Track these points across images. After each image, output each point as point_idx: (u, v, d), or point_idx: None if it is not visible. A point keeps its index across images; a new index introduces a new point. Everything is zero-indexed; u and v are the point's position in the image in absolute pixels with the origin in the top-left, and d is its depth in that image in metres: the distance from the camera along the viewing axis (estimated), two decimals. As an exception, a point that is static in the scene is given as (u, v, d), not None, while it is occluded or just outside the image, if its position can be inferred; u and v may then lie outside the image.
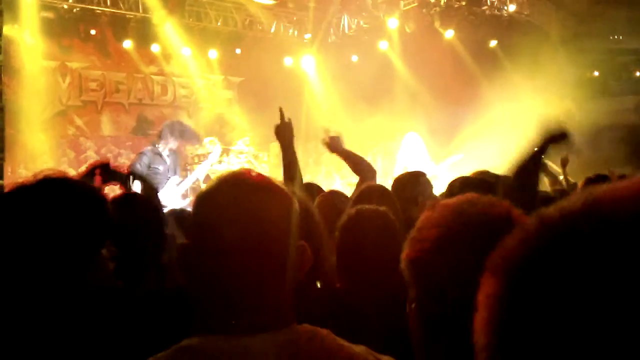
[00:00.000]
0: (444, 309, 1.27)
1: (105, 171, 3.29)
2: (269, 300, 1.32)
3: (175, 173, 8.89)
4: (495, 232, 1.18)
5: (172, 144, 8.67)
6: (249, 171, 1.43)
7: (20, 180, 1.71)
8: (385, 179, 11.80)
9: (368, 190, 3.62)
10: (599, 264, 0.52)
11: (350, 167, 4.42)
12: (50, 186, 1.64)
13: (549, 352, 0.53)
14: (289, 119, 3.98)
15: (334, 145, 4.47)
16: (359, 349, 1.35)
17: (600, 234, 0.53)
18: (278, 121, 3.77)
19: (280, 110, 3.82)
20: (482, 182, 3.57)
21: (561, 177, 6.91)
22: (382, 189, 3.83)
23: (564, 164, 6.66)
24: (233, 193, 1.34)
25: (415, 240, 1.38)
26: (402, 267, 1.37)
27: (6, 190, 1.72)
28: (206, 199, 1.38)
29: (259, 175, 1.43)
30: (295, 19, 14.65)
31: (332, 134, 4.56)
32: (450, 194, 3.40)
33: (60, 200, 1.62)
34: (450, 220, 1.34)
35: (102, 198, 1.72)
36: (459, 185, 3.54)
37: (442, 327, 1.29)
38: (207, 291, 1.33)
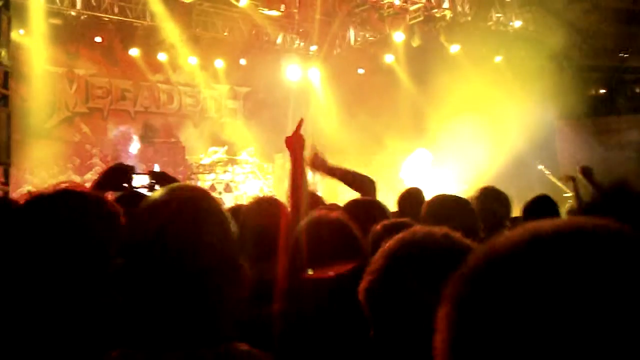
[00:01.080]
0: (397, 335, 1.31)
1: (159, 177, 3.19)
2: (200, 318, 1.33)
3: None
4: (441, 261, 1.21)
5: None
6: (185, 187, 1.45)
7: (37, 190, 1.72)
8: (387, 193, 11.81)
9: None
10: (523, 294, 0.60)
11: (345, 184, 4.09)
12: (68, 198, 1.66)
13: None
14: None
15: (316, 164, 3.81)
16: None
17: (527, 267, 0.62)
18: (284, 132, 3.54)
19: (300, 122, 3.51)
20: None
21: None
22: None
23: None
24: (168, 212, 1.36)
25: (367, 272, 1.40)
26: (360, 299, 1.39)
27: (28, 198, 1.73)
28: (142, 219, 1.39)
29: (195, 191, 1.45)
30: (301, 30, 14.71)
31: (315, 150, 3.93)
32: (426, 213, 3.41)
33: (77, 211, 1.63)
34: (396, 250, 1.36)
35: (116, 212, 1.74)
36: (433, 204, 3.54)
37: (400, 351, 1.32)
38: (139, 306, 1.35)
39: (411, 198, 4.38)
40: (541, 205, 4.24)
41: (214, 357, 1.31)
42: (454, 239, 1.37)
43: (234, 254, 1.38)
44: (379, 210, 3.57)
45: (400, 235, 1.40)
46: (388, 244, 1.39)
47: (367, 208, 3.47)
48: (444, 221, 2.71)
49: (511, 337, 0.59)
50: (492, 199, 4.05)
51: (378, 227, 2.67)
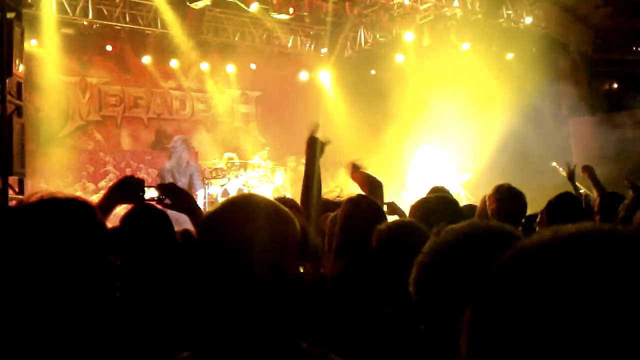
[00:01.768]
0: (448, 327, 1.30)
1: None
2: (266, 316, 1.37)
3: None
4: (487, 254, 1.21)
5: None
6: (253, 195, 1.50)
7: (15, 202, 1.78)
8: (398, 193, 11.80)
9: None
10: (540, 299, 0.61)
11: (365, 192, 4.33)
12: (42, 205, 1.69)
13: None
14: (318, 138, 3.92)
15: (355, 174, 4.40)
16: None
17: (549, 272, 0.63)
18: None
19: (315, 127, 3.75)
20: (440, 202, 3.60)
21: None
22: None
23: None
24: (239, 214, 1.42)
25: (418, 263, 1.41)
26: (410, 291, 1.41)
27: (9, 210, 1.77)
28: (213, 220, 1.46)
29: (262, 198, 1.50)
30: (312, 33, 14.74)
31: (352, 163, 4.50)
32: (414, 216, 3.40)
33: (53, 217, 1.67)
34: (450, 244, 1.37)
35: (91, 210, 1.76)
36: (420, 206, 3.54)
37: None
38: (205, 307, 1.40)
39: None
40: (565, 203, 4.20)
41: (285, 357, 1.35)
42: (499, 228, 1.38)
43: (295, 255, 1.43)
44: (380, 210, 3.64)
45: (450, 227, 1.42)
46: (440, 236, 1.41)
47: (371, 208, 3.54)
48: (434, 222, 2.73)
49: (533, 340, 0.60)
50: (508, 196, 4.07)
51: (382, 226, 2.69)
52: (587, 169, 6.26)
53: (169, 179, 10.69)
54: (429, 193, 4.54)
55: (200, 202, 9.49)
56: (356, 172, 4.40)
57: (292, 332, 1.41)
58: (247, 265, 1.37)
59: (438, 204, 3.59)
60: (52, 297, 1.58)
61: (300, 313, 1.55)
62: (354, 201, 3.36)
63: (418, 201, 3.69)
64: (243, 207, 1.45)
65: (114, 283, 1.76)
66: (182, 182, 10.65)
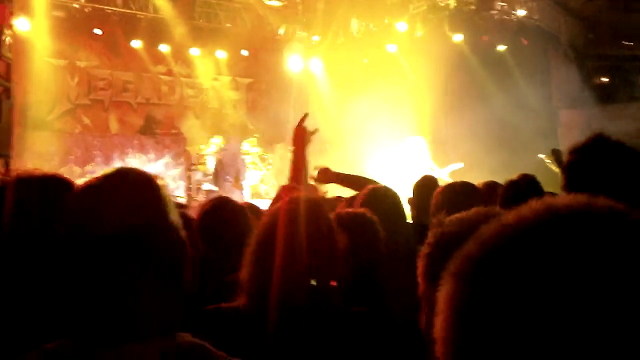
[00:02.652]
0: None
1: None
2: (147, 306, 1.26)
3: None
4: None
5: None
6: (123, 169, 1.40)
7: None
8: (385, 183, 11.75)
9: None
10: (538, 269, 0.59)
11: (355, 190, 4.29)
12: (19, 183, 1.68)
13: (503, 346, 0.59)
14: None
15: (325, 177, 4.27)
16: None
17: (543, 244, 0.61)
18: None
19: (304, 116, 3.74)
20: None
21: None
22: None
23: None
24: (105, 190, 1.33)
25: (424, 256, 1.39)
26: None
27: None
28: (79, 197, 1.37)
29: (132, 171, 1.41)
30: (304, 20, 14.67)
31: (317, 168, 4.44)
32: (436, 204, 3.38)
33: (29, 194, 1.66)
34: (458, 233, 1.35)
35: (69, 186, 1.75)
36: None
37: None
38: (76, 293, 1.28)
39: (426, 186, 4.30)
40: (526, 186, 4.11)
41: (159, 350, 1.25)
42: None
43: (181, 241, 1.33)
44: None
45: (453, 217, 1.39)
46: (443, 226, 1.38)
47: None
48: (456, 210, 2.71)
49: (529, 317, 0.58)
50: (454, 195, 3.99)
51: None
52: (555, 152, 6.12)
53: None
54: (419, 182, 4.50)
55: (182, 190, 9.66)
56: (324, 176, 4.32)
57: (175, 321, 1.31)
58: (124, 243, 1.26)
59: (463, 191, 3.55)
60: (29, 274, 1.57)
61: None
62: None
63: (442, 189, 3.66)
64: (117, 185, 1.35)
65: None
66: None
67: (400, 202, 3.52)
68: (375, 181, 4.32)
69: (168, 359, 1.25)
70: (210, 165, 11.89)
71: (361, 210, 2.97)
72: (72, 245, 1.29)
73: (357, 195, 3.62)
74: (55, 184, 1.73)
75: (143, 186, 1.35)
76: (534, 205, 0.65)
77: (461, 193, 3.35)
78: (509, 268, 0.61)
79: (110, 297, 1.24)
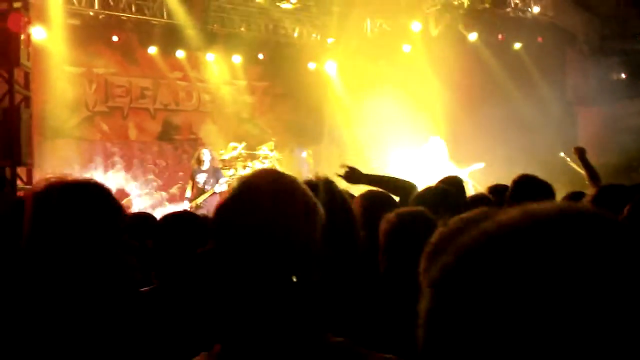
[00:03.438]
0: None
1: None
2: (291, 306, 1.30)
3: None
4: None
5: None
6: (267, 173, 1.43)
7: (26, 190, 1.75)
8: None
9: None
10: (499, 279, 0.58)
11: (387, 191, 4.27)
12: (55, 191, 1.66)
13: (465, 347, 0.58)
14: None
15: (353, 177, 4.34)
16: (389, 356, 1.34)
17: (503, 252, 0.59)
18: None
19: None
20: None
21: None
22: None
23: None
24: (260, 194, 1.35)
25: (425, 254, 1.39)
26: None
27: (17, 200, 1.76)
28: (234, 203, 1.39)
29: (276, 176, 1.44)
30: (318, 23, 14.67)
31: (344, 166, 4.38)
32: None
33: (68, 202, 1.64)
34: (460, 232, 1.34)
35: (107, 192, 1.74)
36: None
37: None
38: (231, 298, 1.32)
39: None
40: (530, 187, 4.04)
41: (312, 351, 1.28)
42: None
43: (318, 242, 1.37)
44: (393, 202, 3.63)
45: (457, 216, 1.39)
46: (447, 226, 1.38)
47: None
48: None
49: (495, 328, 0.56)
50: (531, 189, 3.95)
51: (392, 215, 2.66)
52: (578, 150, 6.04)
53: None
54: (439, 183, 4.47)
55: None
56: (352, 175, 4.31)
57: (317, 322, 1.34)
58: (275, 247, 1.29)
59: (440, 195, 3.57)
60: (72, 281, 1.57)
61: (326, 300, 1.50)
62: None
63: (420, 192, 3.68)
64: (264, 187, 1.37)
65: (134, 265, 1.76)
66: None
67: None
68: (409, 182, 4.28)
69: (323, 358, 1.28)
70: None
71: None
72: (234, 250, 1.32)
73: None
74: (95, 190, 1.72)
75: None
76: (511, 211, 0.63)
77: (379, 202, 3.38)
78: (478, 275, 0.59)
79: (267, 299, 1.29)
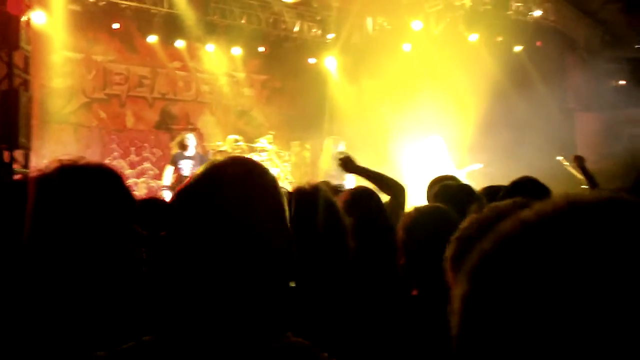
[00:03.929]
0: None
1: None
2: (249, 298, 1.25)
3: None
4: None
5: None
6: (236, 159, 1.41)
7: (36, 170, 1.67)
8: (406, 181, 11.75)
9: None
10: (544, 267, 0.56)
11: (375, 185, 4.37)
12: (66, 172, 1.61)
13: (505, 343, 0.57)
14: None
15: (349, 166, 4.53)
16: None
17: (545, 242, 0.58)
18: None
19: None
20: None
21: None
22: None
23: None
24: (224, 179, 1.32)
25: (455, 240, 1.38)
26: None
27: (26, 179, 1.70)
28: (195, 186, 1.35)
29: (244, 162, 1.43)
30: (319, 18, 14.66)
31: (343, 155, 4.63)
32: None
33: (80, 184, 1.58)
34: (494, 219, 1.34)
35: (118, 177, 1.69)
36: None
37: None
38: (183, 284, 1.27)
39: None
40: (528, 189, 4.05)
41: (267, 349, 1.23)
42: None
43: (288, 235, 1.32)
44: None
45: (492, 204, 1.38)
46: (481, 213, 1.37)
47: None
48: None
49: (534, 317, 0.54)
50: (528, 190, 3.96)
51: (412, 210, 2.68)
52: (577, 159, 6.07)
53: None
54: (436, 182, 4.49)
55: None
56: (349, 163, 4.49)
57: (278, 319, 1.28)
58: (235, 233, 1.23)
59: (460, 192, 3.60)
60: (78, 269, 1.53)
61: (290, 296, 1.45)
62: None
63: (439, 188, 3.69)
64: (230, 171, 1.34)
65: (141, 256, 1.70)
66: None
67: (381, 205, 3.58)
68: (399, 183, 4.33)
69: (279, 358, 1.23)
70: None
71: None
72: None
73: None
74: (109, 176, 1.67)
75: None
76: (554, 199, 0.62)
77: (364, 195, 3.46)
78: (518, 262, 0.58)
79: (219, 290, 1.23)
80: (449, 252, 1.39)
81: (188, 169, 9.97)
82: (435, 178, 4.49)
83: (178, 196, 1.34)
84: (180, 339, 1.23)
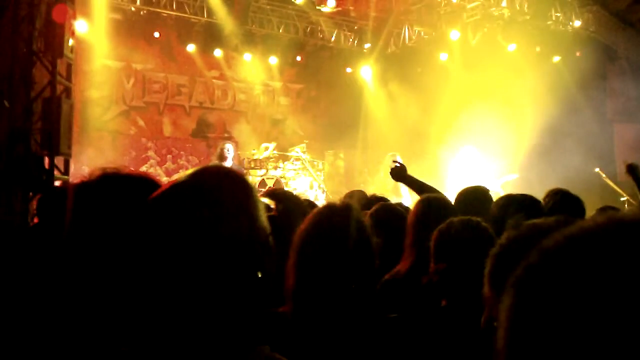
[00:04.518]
0: None
1: None
2: (227, 308, 1.22)
3: None
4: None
5: None
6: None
7: (80, 178, 1.71)
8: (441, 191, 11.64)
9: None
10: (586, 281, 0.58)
11: (416, 192, 4.44)
12: (109, 181, 1.64)
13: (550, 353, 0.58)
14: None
15: (398, 174, 4.62)
16: None
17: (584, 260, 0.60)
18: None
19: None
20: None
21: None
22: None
23: None
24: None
25: (493, 256, 1.38)
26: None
27: (69, 187, 1.73)
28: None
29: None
30: (356, 28, 14.68)
31: (395, 162, 4.72)
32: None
33: (120, 192, 1.62)
34: (533, 236, 1.34)
35: (158, 186, 1.72)
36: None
37: None
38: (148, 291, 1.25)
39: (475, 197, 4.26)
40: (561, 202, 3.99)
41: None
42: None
43: (265, 244, 1.30)
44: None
45: (531, 221, 1.39)
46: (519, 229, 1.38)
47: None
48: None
49: (583, 331, 0.56)
50: (565, 203, 3.96)
51: (443, 226, 2.67)
52: (628, 167, 5.63)
53: None
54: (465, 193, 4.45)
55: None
56: (399, 173, 4.55)
57: (253, 330, 1.25)
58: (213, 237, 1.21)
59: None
60: (112, 272, 1.56)
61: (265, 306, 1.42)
62: (424, 201, 3.41)
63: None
64: (205, 177, 1.33)
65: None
66: None
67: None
68: (439, 192, 4.31)
69: None
70: None
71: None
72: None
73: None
74: (147, 184, 1.70)
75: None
76: (598, 217, 0.64)
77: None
78: (564, 276, 0.59)
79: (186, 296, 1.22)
80: (487, 267, 1.40)
81: None
82: (465, 189, 4.45)
83: (152, 199, 1.35)
84: (155, 353, 1.22)
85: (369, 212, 3.57)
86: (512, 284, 0.66)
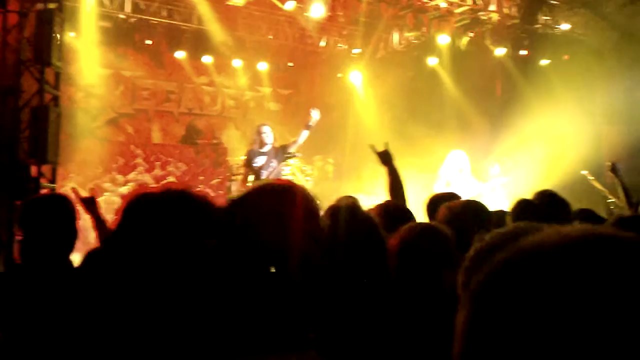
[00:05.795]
0: None
1: None
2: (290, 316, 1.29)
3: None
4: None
5: None
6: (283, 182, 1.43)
7: (143, 188, 1.75)
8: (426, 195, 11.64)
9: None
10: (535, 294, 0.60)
11: (387, 185, 4.42)
12: (172, 197, 1.69)
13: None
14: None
15: (383, 158, 4.63)
16: None
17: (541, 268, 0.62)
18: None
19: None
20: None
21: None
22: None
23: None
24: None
25: (464, 269, 1.40)
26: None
27: (133, 194, 1.79)
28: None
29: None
30: (345, 33, 14.71)
31: (385, 145, 4.75)
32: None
33: (179, 209, 1.66)
34: (498, 247, 1.34)
35: (212, 207, 1.77)
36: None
37: None
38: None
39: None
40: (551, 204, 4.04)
41: None
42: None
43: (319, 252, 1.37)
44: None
45: (495, 231, 1.40)
46: (484, 241, 1.39)
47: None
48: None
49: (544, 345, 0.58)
50: (550, 203, 4.00)
51: (406, 227, 2.67)
52: (613, 167, 5.72)
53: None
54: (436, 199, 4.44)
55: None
56: (386, 158, 4.55)
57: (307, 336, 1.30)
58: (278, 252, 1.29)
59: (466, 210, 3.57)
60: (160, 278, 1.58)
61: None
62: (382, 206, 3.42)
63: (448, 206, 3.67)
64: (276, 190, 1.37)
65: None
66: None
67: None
68: (405, 199, 4.36)
69: None
70: None
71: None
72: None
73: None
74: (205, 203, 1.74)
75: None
76: (549, 231, 0.66)
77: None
78: (512, 290, 0.61)
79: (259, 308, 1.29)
80: (459, 280, 1.42)
81: (260, 164, 9.19)
82: (435, 195, 4.48)
83: (225, 210, 1.42)
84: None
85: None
86: (465, 297, 0.67)
